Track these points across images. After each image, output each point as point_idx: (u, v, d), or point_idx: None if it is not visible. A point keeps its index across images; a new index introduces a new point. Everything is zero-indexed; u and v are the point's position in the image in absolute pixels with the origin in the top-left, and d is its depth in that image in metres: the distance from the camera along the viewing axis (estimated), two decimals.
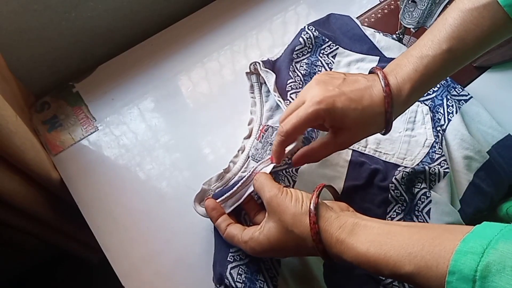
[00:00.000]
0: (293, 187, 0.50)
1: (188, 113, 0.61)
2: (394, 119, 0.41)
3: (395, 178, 0.48)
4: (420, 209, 0.47)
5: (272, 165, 0.45)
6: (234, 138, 0.58)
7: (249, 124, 0.55)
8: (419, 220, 0.47)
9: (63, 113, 0.61)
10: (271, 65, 0.57)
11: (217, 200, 0.46)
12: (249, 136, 0.54)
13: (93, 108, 0.61)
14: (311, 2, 0.73)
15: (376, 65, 0.59)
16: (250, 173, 0.47)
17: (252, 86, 0.58)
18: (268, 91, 0.57)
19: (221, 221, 0.44)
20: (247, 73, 0.58)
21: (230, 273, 0.44)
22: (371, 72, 0.43)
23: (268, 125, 0.55)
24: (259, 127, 0.54)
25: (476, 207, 0.50)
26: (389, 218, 0.48)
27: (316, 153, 0.42)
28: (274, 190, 0.39)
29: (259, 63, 0.55)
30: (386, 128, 0.41)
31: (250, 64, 0.57)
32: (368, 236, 0.33)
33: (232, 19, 0.70)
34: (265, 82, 0.57)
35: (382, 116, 0.39)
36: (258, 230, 0.39)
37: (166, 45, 0.67)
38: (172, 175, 0.56)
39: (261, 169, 0.46)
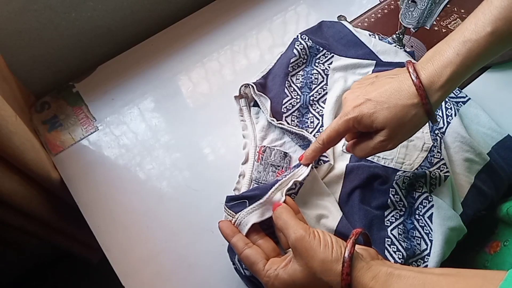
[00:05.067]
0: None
1: (188, 113, 0.61)
2: (436, 108, 0.40)
3: (396, 183, 0.48)
4: (421, 214, 0.47)
5: (304, 170, 0.46)
6: (234, 138, 0.58)
7: (244, 149, 0.55)
8: (420, 224, 0.47)
9: (63, 113, 0.61)
10: (263, 84, 0.57)
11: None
12: (246, 161, 0.54)
13: (93, 108, 0.61)
14: (311, 2, 0.73)
15: (373, 69, 0.59)
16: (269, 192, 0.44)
17: (241, 110, 0.58)
18: (257, 112, 0.57)
19: (237, 239, 0.42)
20: (235, 96, 0.58)
21: (239, 260, 0.44)
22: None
23: (264, 146, 0.55)
24: (255, 149, 0.54)
25: (477, 209, 0.50)
26: (388, 222, 0.47)
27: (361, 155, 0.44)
28: (300, 231, 0.37)
29: (252, 86, 0.55)
30: (430, 119, 0.40)
31: (241, 86, 0.57)
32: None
33: (232, 19, 0.70)
34: (254, 105, 0.57)
35: (419, 108, 0.39)
36: (282, 267, 0.38)
37: (166, 45, 0.67)
38: (172, 175, 0.56)
39: (290, 177, 0.46)
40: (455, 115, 0.54)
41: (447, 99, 0.56)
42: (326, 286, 0.34)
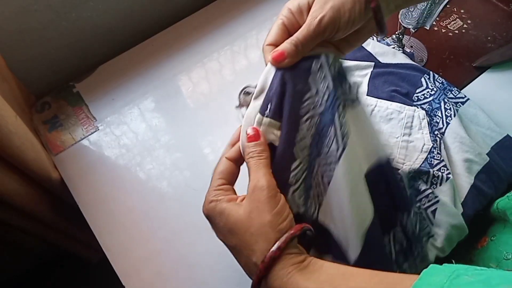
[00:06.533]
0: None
1: (189, 113, 0.61)
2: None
3: (402, 171, 0.48)
4: (424, 207, 0.47)
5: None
6: None
7: None
8: (419, 217, 0.47)
9: (63, 113, 0.61)
10: None
11: None
12: None
13: (93, 108, 0.62)
14: None
15: (372, 71, 0.59)
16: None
17: (243, 116, 0.58)
18: None
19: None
20: (236, 107, 0.58)
21: None
22: None
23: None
24: None
25: (476, 209, 0.50)
26: None
27: (300, 42, 0.36)
28: (265, 182, 0.33)
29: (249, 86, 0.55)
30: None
31: (239, 94, 0.56)
32: (321, 276, 0.30)
33: (232, 19, 0.70)
34: None
35: None
36: (232, 199, 0.35)
37: (166, 45, 0.67)
38: (173, 175, 0.56)
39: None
40: (454, 115, 0.55)
41: (446, 100, 0.56)
42: (247, 250, 0.31)
